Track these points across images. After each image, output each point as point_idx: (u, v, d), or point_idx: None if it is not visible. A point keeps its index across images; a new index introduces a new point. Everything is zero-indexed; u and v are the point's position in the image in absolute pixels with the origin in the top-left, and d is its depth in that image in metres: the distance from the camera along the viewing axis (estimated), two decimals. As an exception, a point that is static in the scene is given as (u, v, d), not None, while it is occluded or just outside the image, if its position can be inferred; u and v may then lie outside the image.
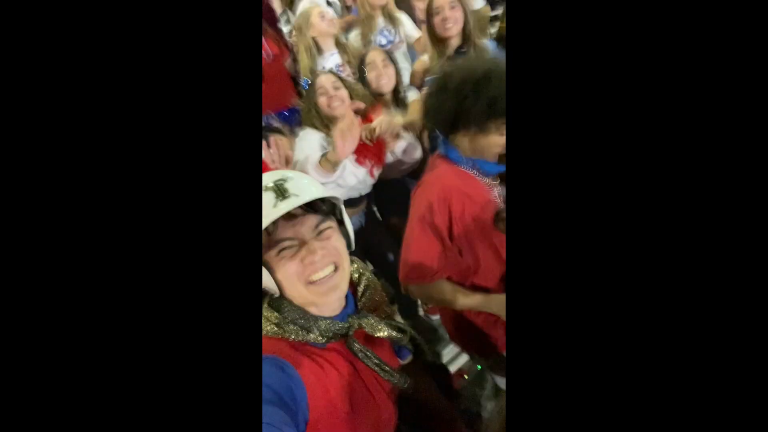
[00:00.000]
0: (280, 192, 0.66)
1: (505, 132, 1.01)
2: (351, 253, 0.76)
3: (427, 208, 1.06)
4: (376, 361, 0.74)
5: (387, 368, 0.75)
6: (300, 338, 0.69)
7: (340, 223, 0.76)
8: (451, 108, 1.02)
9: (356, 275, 0.84)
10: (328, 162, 1.43)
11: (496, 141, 1.03)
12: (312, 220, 0.69)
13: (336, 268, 0.70)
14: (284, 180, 0.68)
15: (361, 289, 0.83)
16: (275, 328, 0.69)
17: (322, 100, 1.59)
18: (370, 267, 1.03)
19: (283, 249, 0.67)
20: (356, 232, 0.93)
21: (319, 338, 0.70)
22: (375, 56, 1.75)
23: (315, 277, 0.68)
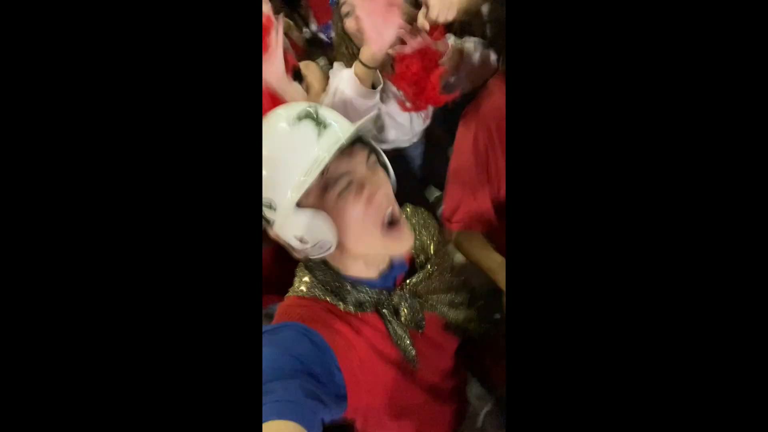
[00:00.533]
0: (319, 120, 0.55)
1: None
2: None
3: (487, 140, 0.87)
4: (401, 340, 0.64)
5: (410, 351, 0.65)
6: (333, 302, 0.61)
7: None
8: None
9: (428, 241, 0.73)
10: (363, 67, 0.98)
11: None
12: (362, 152, 0.59)
13: (396, 215, 0.60)
14: (316, 108, 0.57)
15: (427, 267, 0.70)
16: (304, 290, 0.62)
17: (349, 23, 1.10)
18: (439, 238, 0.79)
19: (344, 189, 0.56)
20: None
21: (351, 308, 0.62)
22: None
23: (386, 220, 0.58)
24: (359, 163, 0.58)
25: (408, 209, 0.77)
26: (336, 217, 0.56)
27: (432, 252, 0.74)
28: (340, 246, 0.59)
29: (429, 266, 0.71)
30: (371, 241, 0.59)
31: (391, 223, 0.59)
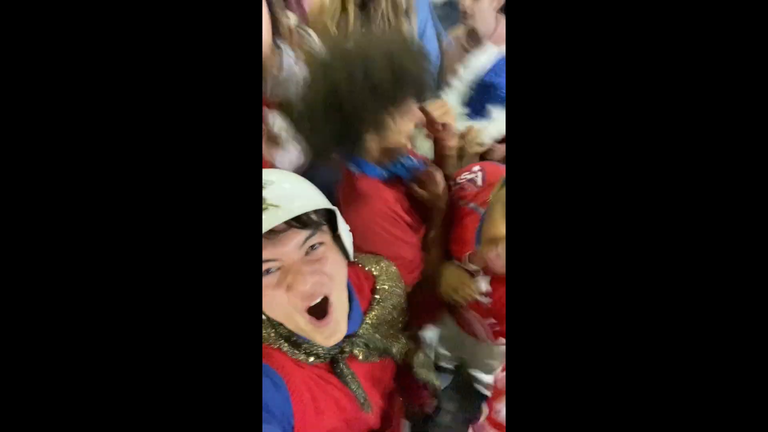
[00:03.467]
0: (268, 204, 0.54)
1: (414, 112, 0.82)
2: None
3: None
4: (355, 387, 0.65)
5: (363, 396, 0.66)
6: (290, 354, 0.62)
7: (335, 233, 0.63)
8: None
9: (375, 272, 0.72)
10: None
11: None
12: (298, 236, 0.57)
13: (328, 304, 0.59)
14: (265, 183, 0.56)
15: (376, 297, 0.71)
16: (269, 339, 0.62)
17: None
18: (394, 266, 0.80)
19: (265, 273, 0.56)
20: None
21: (308, 359, 0.62)
22: None
23: (309, 306, 0.58)
24: (292, 248, 0.56)
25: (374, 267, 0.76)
26: (264, 296, 0.57)
27: (378, 291, 0.74)
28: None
29: (376, 306, 0.71)
30: (295, 325, 0.59)
31: (321, 316, 0.59)
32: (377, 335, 0.70)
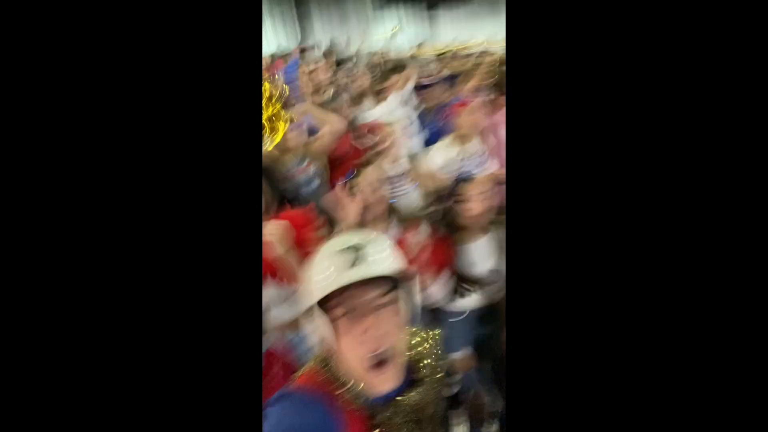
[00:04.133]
0: (358, 256, 0.63)
1: None
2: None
3: None
4: None
5: None
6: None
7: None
8: None
9: (417, 348, 0.76)
10: None
11: None
12: (380, 288, 0.63)
13: (388, 356, 0.63)
14: (363, 245, 0.65)
15: (420, 373, 0.74)
16: (321, 372, 0.67)
17: None
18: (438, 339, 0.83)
19: (341, 315, 0.63)
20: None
21: (348, 398, 0.66)
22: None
23: (373, 357, 0.63)
24: (371, 296, 0.63)
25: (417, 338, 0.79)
26: (332, 334, 0.63)
27: (423, 380, 0.75)
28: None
29: (414, 394, 0.73)
30: (353, 370, 0.65)
31: (379, 364, 0.63)
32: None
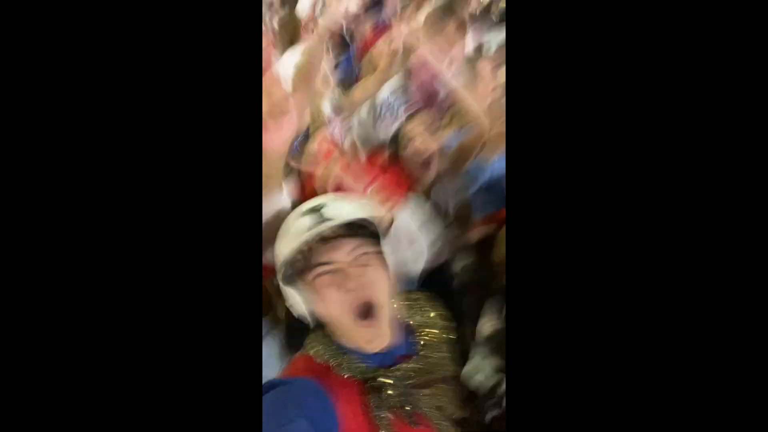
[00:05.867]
0: (318, 216, 0.64)
1: None
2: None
3: None
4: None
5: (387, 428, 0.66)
6: (336, 370, 0.65)
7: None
8: None
9: (415, 317, 0.75)
10: None
11: None
12: (348, 244, 0.64)
13: (372, 309, 0.63)
14: (322, 205, 0.66)
15: (421, 342, 0.73)
16: (314, 355, 0.66)
17: None
18: (440, 312, 0.80)
19: (318, 275, 0.63)
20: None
21: (346, 372, 0.65)
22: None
23: (355, 308, 0.63)
24: (343, 253, 0.64)
25: (407, 302, 0.78)
26: (314, 298, 0.64)
27: (424, 348, 0.74)
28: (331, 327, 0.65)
29: (417, 362, 0.71)
30: (343, 328, 0.64)
31: (366, 315, 0.63)
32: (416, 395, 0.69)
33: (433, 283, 1.08)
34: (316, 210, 0.65)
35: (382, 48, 1.62)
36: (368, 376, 0.65)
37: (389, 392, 0.65)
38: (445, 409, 0.71)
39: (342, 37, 2.13)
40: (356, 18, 2.08)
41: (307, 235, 0.62)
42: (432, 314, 0.78)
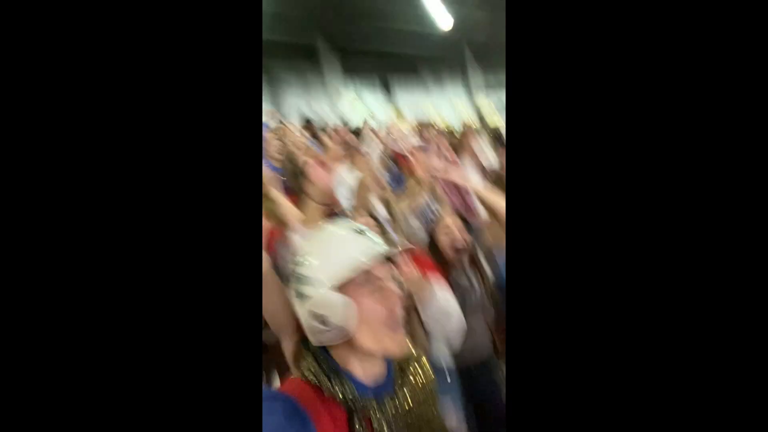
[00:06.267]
0: (368, 238, 0.69)
1: None
2: None
3: None
4: None
5: None
6: (325, 391, 0.65)
7: None
8: None
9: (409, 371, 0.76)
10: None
11: None
12: (387, 265, 0.70)
13: (399, 316, 0.68)
14: (365, 229, 0.71)
15: (405, 379, 0.75)
16: (309, 376, 0.66)
17: None
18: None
19: (377, 290, 0.67)
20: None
21: (339, 396, 0.65)
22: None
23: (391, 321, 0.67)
24: (384, 271, 0.68)
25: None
26: (351, 306, 0.65)
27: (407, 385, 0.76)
28: (351, 339, 0.67)
29: (398, 399, 0.73)
30: (374, 339, 0.66)
31: (395, 325, 0.67)
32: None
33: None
34: (362, 232, 0.70)
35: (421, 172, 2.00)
36: (359, 405, 0.66)
37: (377, 425, 0.67)
38: None
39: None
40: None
41: (371, 254, 0.66)
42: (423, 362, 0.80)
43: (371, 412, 0.66)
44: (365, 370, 0.68)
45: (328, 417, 0.63)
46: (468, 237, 1.50)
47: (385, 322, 0.66)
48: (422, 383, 0.77)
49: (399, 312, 0.67)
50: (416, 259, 1.22)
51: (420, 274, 1.16)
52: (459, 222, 1.53)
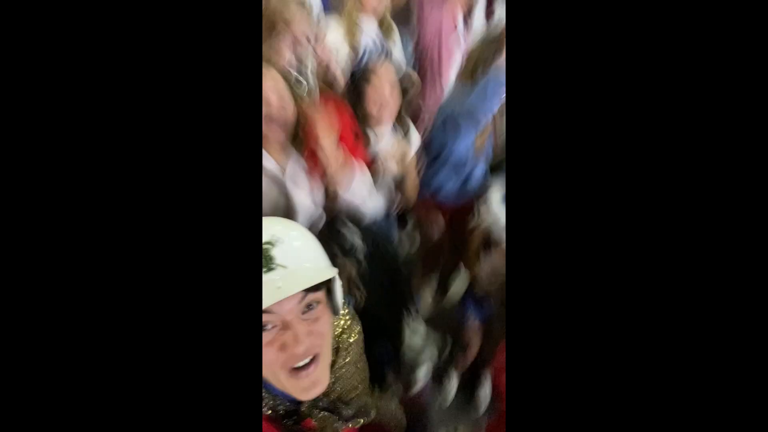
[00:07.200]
0: (266, 260, 0.54)
1: None
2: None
3: None
4: None
5: None
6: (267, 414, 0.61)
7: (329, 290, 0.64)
8: None
9: (339, 334, 0.71)
10: None
11: None
12: (297, 296, 0.56)
13: (314, 359, 0.58)
14: (271, 244, 0.56)
15: (339, 362, 0.70)
16: None
17: None
18: (358, 327, 0.79)
19: (265, 331, 0.56)
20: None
21: (267, 411, 0.61)
22: (383, 74, 1.32)
23: (296, 365, 0.57)
24: (292, 305, 0.56)
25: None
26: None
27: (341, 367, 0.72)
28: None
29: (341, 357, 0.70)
30: (275, 378, 0.59)
31: (305, 368, 0.58)
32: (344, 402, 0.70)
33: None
34: (266, 254, 0.55)
35: None
36: (291, 410, 0.63)
37: (315, 422, 0.64)
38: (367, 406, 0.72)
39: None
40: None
41: (266, 298, 0.52)
42: (353, 338, 0.75)
43: (295, 415, 0.62)
44: (303, 393, 0.60)
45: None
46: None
47: (279, 368, 0.57)
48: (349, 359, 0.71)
49: (311, 356, 0.57)
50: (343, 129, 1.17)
51: (343, 160, 1.13)
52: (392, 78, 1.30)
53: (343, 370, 0.71)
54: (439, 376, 1.66)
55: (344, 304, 0.72)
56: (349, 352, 0.72)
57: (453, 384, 1.64)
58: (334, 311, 0.65)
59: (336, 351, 0.71)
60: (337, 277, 0.63)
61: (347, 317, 0.75)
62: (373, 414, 0.74)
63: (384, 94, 1.30)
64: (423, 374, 1.64)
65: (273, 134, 1.09)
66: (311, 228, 0.76)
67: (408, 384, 1.56)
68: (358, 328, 0.76)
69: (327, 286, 0.63)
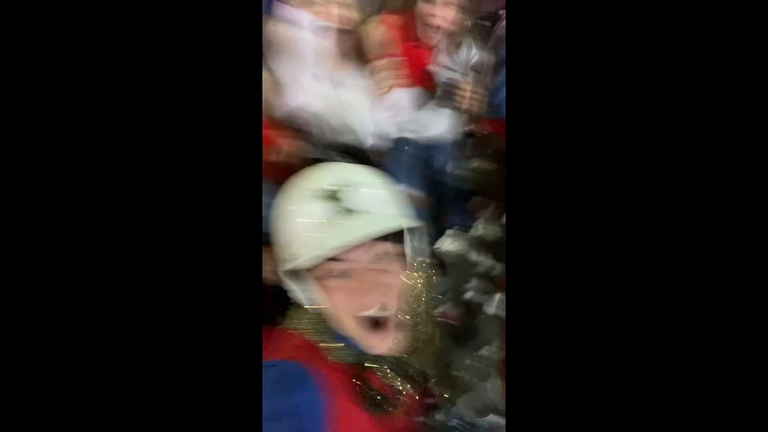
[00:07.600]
0: (337, 205, 0.55)
1: None
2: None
3: None
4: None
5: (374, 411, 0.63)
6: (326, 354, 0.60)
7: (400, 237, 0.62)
8: None
9: (411, 294, 0.68)
10: None
11: None
12: (370, 245, 0.56)
13: (384, 316, 0.58)
14: (339, 188, 0.56)
15: (409, 321, 0.66)
16: (302, 330, 0.61)
17: None
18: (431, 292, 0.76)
19: (330, 274, 0.56)
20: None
21: (334, 360, 0.61)
22: None
23: (362, 314, 0.57)
24: (363, 254, 0.56)
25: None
26: (322, 293, 0.58)
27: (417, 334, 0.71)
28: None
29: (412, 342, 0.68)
30: (346, 328, 0.59)
31: (377, 324, 0.58)
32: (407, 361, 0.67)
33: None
34: (333, 196, 0.55)
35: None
36: (358, 362, 0.61)
37: (381, 377, 0.63)
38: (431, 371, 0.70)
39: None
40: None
41: (330, 241, 0.53)
42: (423, 300, 0.72)
43: (369, 366, 0.61)
44: (371, 349, 0.60)
45: (331, 378, 0.57)
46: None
47: (350, 316, 0.57)
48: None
49: (384, 305, 0.57)
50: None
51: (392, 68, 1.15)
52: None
53: (413, 332, 0.68)
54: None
55: (421, 264, 0.70)
56: (420, 314, 0.70)
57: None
58: (406, 266, 0.63)
59: (406, 310, 0.67)
60: (409, 229, 0.62)
61: (421, 279, 0.73)
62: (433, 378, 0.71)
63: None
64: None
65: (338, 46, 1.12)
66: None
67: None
68: (431, 292, 0.73)
69: (400, 239, 0.61)
